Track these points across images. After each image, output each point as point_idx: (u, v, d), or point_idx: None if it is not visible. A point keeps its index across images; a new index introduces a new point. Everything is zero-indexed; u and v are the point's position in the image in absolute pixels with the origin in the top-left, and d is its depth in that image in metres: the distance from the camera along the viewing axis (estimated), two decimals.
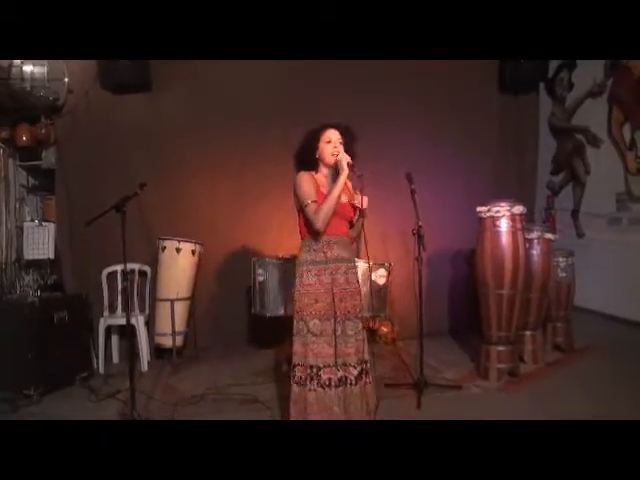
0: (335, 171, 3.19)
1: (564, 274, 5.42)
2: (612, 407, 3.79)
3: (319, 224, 3.06)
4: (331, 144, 3.17)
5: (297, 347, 3.14)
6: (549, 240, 5.11)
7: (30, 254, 5.70)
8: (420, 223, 4.28)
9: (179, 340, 5.66)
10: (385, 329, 6.21)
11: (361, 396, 3.11)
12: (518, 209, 4.54)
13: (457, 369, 5.05)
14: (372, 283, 5.09)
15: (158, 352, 5.81)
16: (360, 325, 3.18)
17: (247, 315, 5.96)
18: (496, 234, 4.54)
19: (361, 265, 5.14)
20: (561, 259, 5.40)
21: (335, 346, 3.06)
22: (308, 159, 3.25)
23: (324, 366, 3.04)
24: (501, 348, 4.63)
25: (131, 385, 3.88)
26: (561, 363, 5.15)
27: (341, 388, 3.05)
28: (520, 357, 4.94)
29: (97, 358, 5.42)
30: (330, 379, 3.03)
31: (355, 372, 3.09)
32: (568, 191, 6.77)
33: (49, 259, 5.74)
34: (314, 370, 3.04)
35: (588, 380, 4.54)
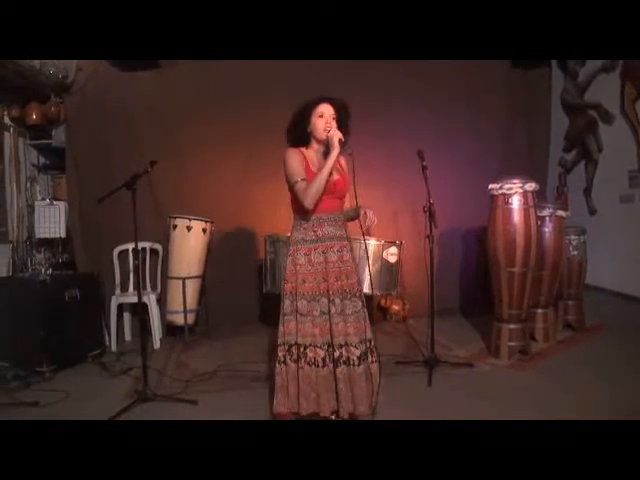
0: (326, 148, 3.06)
1: (576, 252, 5.39)
2: (623, 386, 3.79)
3: (307, 202, 2.97)
4: (323, 119, 3.06)
5: (292, 327, 3.05)
6: (561, 217, 5.08)
7: (41, 233, 5.70)
8: (431, 200, 4.25)
9: (191, 318, 5.70)
10: (396, 307, 6.24)
11: (365, 376, 3.02)
12: (530, 186, 4.50)
13: (468, 347, 5.06)
14: (383, 261, 5.08)
15: (170, 330, 5.85)
16: (360, 304, 3.08)
17: (258, 293, 5.97)
18: (508, 211, 4.50)
19: (372, 243, 5.13)
20: (573, 237, 5.37)
21: (330, 326, 3.00)
22: (299, 133, 3.14)
23: (310, 345, 3.00)
24: (512, 326, 4.62)
25: (143, 362, 3.92)
26: (572, 341, 5.14)
27: (341, 368, 2.98)
28: (531, 335, 4.93)
29: (109, 336, 5.45)
30: (315, 358, 2.99)
31: (357, 352, 3.00)
32: (580, 168, 6.73)
33: (60, 238, 5.75)
34: (301, 349, 3.00)
35: (599, 358, 4.53)
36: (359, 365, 2.99)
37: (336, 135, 2.97)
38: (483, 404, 3.59)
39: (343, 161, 3.24)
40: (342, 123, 3.10)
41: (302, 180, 3.00)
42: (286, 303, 3.09)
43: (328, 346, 3.01)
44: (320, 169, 2.98)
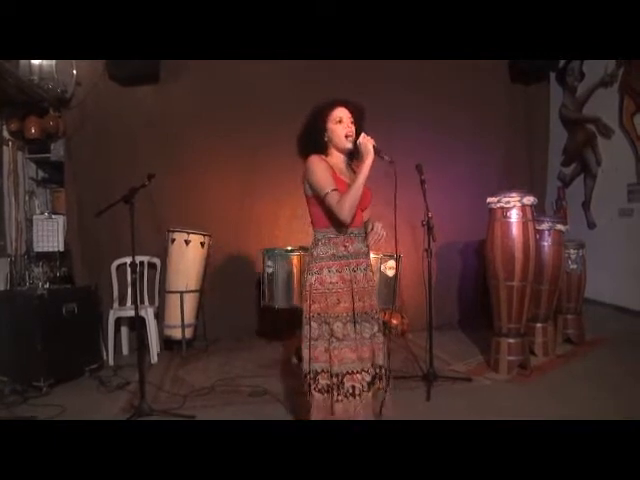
0: (350, 155, 2.87)
1: (575, 265, 5.38)
2: (622, 400, 3.77)
3: (345, 214, 2.67)
4: (343, 124, 2.80)
5: (318, 353, 2.75)
6: (560, 231, 5.07)
7: (40, 246, 5.70)
8: (430, 214, 4.25)
9: (188, 332, 5.68)
10: (395, 321, 6.20)
11: (372, 404, 2.82)
12: (529, 200, 4.51)
13: (467, 361, 5.04)
14: (381, 275, 5.07)
15: (168, 344, 5.81)
16: (376, 327, 2.85)
17: (256, 307, 5.95)
18: (506, 225, 4.50)
19: (370, 257, 5.12)
20: (572, 250, 5.36)
21: (358, 349, 2.74)
22: (316, 142, 2.86)
23: (347, 373, 2.70)
24: (511, 340, 4.60)
25: (140, 376, 3.88)
26: (572, 355, 5.12)
27: (364, 394, 2.74)
28: (530, 349, 4.90)
29: (106, 350, 5.42)
30: (354, 387, 2.70)
31: (368, 378, 2.76)
32: (579, 182, 6.74)
33: (59, 251, 5.75)
34: (339, 378, 2.70)
35: (598, 372, 4.51)
36: (368, 391, 2.77)
37: (369, 141, 2.73)
38: (482, 419, 3.56)
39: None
40: (358, 126, 2.84)
41: (333, 190, 2.70)
42: (313, 326, 2.78)
43: (366, 369, 2.78)
44: (351, 178, 2.79)
